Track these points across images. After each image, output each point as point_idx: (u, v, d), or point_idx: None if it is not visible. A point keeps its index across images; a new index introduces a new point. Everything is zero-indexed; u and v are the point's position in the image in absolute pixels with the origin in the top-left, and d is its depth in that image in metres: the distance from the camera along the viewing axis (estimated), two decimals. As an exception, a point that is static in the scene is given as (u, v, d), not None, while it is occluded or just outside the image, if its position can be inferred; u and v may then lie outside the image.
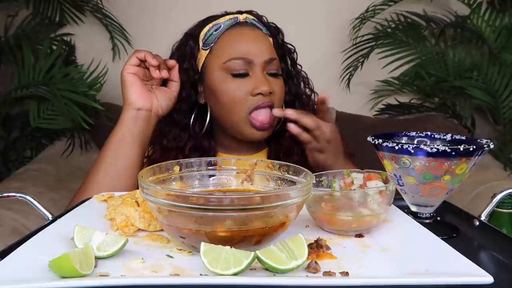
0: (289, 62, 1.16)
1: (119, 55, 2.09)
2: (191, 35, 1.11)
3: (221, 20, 1.08)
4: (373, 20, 2.03)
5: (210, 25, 1.09)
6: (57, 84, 1.74)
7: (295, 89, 1.15)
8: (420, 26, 2.09)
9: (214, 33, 1.07)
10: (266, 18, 1.15)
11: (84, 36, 2.12)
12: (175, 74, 1.05)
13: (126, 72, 1.00)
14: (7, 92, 1.90)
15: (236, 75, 1.04)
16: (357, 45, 2.06)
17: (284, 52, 1.15)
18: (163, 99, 1.03)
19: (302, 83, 1.18)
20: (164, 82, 1.06)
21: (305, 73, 1.19)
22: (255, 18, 1.11)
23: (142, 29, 2.10)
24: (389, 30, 2.08)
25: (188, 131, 1.10)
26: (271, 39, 1.11)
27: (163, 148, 1.09)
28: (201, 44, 1.09)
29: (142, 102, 1.00)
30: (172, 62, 1.04)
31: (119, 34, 2.06)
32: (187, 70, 1.08)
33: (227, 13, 1.11)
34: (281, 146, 1.12)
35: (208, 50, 1.08)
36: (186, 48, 1.10)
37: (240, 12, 1.11)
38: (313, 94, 1.19)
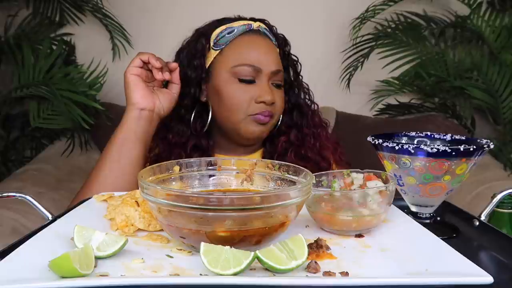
0: (291, 73, 1.18)
1: (119, 55, 2.09)
2: (203, 34, 1.12)
3: (235, 24, 1.10)
4: (373, 20, 2.03)
5: (224, 27, 1.10)
6: (57, 84, 1.74)
7: (295, 98, 1.17)
8: (420, 26, 2.09)
9: (227, 35, 1.09)
10: (276, 29, 1.17)
11: (84, 36, 2.12)
12: (176, 76, 1.06)
13: (130, 74, 1.02)
14: (7, 92, 1.90)
15: (242, 81, 1.06)
16: (357, 45, 2.06)
17: (288, 63, 1.17)
18: (164, 100, 1.05)
19: (302, 94, 1.20)
20: (165, 84, 1.08)
21: (306, 84, 1.21)
22: (267, 28, 1.13)
23: (142, 29, 2.10)
24: (389, 30, 2.08)
25: (189, 128, 1.11)
26: (278, 50, 1.13)
27: (166, 143, 1.11)
28: (211, 43, 1.10)
29: (145, 102, 1.01)
30: (174, 65, 1.06)
31: (119, 34, 2.07)
32: (195, 67, 1.09)
33: (240, 18, 1.12)
34: (275, 147, 1.14)
35: (218, 51, 1.09)
36: (197, 45, 1.11)
37: (254, 20, 1.12)
38: (313, 105, 1.21)
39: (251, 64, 1.06)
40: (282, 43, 1.16)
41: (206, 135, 1.12)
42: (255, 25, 1.11)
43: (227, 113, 1.07)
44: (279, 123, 1.14)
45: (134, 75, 1.01)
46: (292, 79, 1.18)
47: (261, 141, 1.15)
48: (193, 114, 1.11)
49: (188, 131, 1.11)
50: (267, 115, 1.06)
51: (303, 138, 1.15)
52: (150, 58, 1.01)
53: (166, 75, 1.02)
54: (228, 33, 1.09)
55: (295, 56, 1.19)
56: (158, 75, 1.02)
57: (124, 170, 0.98)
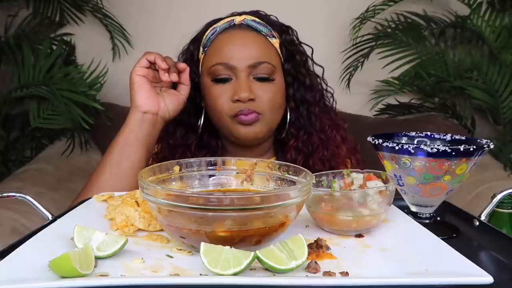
0: (301, 64, 1.10)
1: (119, 55, 2.09)
2: (196, 38, 1.11)
3: (220, 23, 1.07)
4: (373, 20, 2.03)
5: (211, 28, 1.08)
6: (57, 84, 1.74)
7: (301, 93, 1.09)
8: (420, 26, 2.09)
9: (210, 37, 1.06)
10: (277, 18, 1.11)
11: (84, 36, 2.12)
12: (186, 77, 1.02)
13: (135, 74, 0.98)
14: (7, 92, 1.90)
15: (217, 80, 1.02)
16: (357, 45, 2.06)
17: (293, 53, 1.10)
18: (171, 103, 1.01)
19: (312, 88, 1.11)
20: (175, 85, 1.04)
21: (320, 77, 1.13)
22: (255, 19, 1.07)
23: (142, 29, 2.10)
24: (389, 30, 2.08)
25: (195, 132, 1.09)
26: (275, 40, 1.07)
27: (170, 147, 1.09)
28: (201, 48, 1.08)
29: (149, 105, 0.98)
30: (183, 65, 1.02)
31: (119, 34, 2.07)
32: (190, 72, 1.07)
33: (232, 15, 1.09)
34: (285, 156, 1.09)
35: (203, 54, 1.07)
36: (188, 51, 1.11)
37: (244, 13, 1.08)
38: (331, 100, 1.14)
39: (223, 62, 1.01)
40: (280, 32, 1.09)
41: (216, 140, 1.10)
42: (238, 19, 1.06)
43: (214, 117, 1.05)
44: (287, 125, 1.08)
45: (140, 76, 0.98)
46: (301, 71, 1.10)
47: (263, 141, 1.10)
48: (200, 119, 1.09)
49: (194, 137, 1.09)
50: (247, 114, 1.00)
51: (311, 145, 1.08)
52: (156, 58, 0.98)
53: (173, 77, 0.98)
54: (212, 34, 1.06)
55: (309, 46, 1.12)
56: (164, 77, 0.98)
57: (125, 173, 0.95)
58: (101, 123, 1.84)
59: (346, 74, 2.08)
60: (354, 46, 2.06)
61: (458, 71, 2.04)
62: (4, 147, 2.03)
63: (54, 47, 1.95)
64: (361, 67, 2.08)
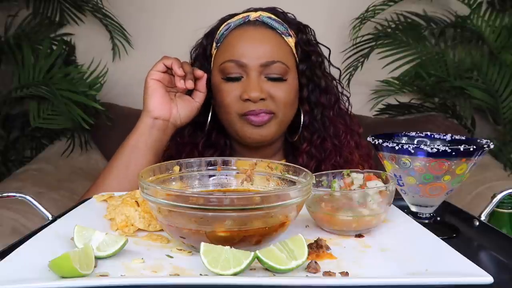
0: (316, 65, 1.07)
1: (119, 55, 2.09)
2: (209, 33, 1.09)
3: (234, 19, 1.05)
4: (373, 20, 2.03)
5: (225, 23, 1.05)
6: (57, 84, 1.75)
7: (316, 96, 1.06)
8: (420, 26, 2.09)
9: (224, 32, 1.04)
10: (294, 15, 1.09)
11: (84, 36, 2.12)
12: (202, 84, 0.99)
13: (150, 78, 0.96)
14: (7, 92, 1.90)
15: (228, 79, 1.00)
16: (357, 45, 2.06)
17: (309, 54, 1.07)
18: (183, 109, 0.98)
19: (327, 91, 1.07)
20: (191, 90, 1.01)
21: (337, 81, 1.10)
22: (271, 16, 1.04)
23: (142, 29, 2.10)
24: (389, 30, 2.08)
25: (203, 130, 1.08)
26: (290, 39, 1.04)
27: (178, 145, 1.08)
28: (214, 43, 1.06)
29: (161, 111, 0.96)
30: (200, 73, 0.99)
31: (119, 34, 2.07)
32: (200, 68, 1.04)
33: (248, 10, 1.06)
34: (296, 159, 1.07)
35: (216, 50, 1.05)
36: (201, 46, 1.09)
37: (260, 9, 1.06)
38: (346, 104, 1.11)
39: (234, 60, 0.99)
40: (296, 30, 1.06)
41: (224, 139, 1.09)
42: (253, 16, 1.03)
43: (222, 115, 1.03)
44: (300, 128, 1.06)
45: (154, 80, 0.96)
46: (316, 72, 1.06)
47: (272, 142, 1.07)
48: (209, 116, 1.07)
49: (201, 135, 1.07)
50: (258, 114, 0.98)
51: (324, 151, 1.05)
52: (173, 64, 0.95)
53: (189, 84, 0.95)
54: (226, 30, 1.04)
55: (327, 47, 1.09)
56: (179, 83, 0.95)
57: (133, 176, 0.90)
58: (101, 123, 1.85)
59: (346, 74, 2.08)
60: (354, 46, 2.06)
61: (458, 71, 2.04)
62: (4, 147, 2.03)
63: (54, 47, 1.95)
64: (361, 67, 2.08)
